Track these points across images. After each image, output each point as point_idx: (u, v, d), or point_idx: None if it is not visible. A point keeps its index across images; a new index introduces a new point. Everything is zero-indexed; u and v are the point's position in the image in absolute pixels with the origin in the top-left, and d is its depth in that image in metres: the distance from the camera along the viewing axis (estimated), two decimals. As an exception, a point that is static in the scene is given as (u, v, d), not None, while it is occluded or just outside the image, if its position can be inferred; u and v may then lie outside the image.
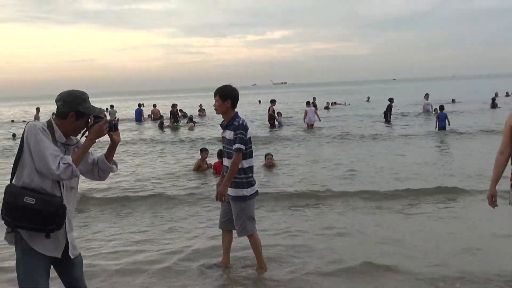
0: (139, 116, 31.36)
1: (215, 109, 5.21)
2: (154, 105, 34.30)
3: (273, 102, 25.32)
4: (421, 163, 12.33)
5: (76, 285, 3.36)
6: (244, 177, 5.13)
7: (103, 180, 3.61)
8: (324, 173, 11.71)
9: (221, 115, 5.20)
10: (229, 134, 5.10)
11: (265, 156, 12.86)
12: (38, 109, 33.29)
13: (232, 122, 5.13)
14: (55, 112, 3.37)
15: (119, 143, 3.49)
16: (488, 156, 11.23)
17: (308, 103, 24.87)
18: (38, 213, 3.02)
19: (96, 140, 3.31)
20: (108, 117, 31.28)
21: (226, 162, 5.22)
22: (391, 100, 25.50)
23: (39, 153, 3.05)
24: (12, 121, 37.72)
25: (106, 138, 3.43)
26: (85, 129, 3.33)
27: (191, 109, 40.39)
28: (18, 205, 3.03)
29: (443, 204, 8.16)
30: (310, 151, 16.07)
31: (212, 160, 12.47)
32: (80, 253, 3.40)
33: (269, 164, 12.60)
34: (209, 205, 8.58)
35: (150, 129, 26.09)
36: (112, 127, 3.38)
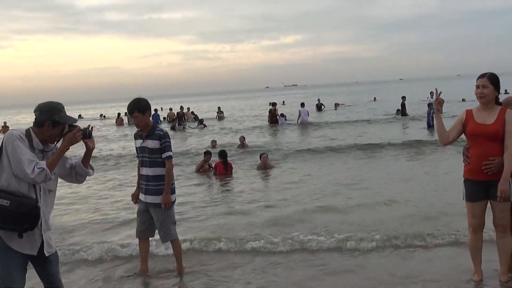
0: (156, 119, 32.66)
1: (137, 125, 5.01)
2: (170, 109, 36.14)
3: (274, 104, 26.71)
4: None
5: (52, 280, 3.43)
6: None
7: (81, 183, 3.68)
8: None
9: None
10: (152, 144, 4.93)
11: (260, 156, 11.89)
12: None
13: (153, 131, 4.96)
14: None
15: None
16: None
17: (302, 104, 24.98)
18: (11, 214, 3.08)
19: (70, 147, 3.37)
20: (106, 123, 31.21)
21: (146, 171, 5.00)
22: (403, 98, 27.20)
23: (16, 158, 3.13)
24: None
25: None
26: (61, 136, 3.40)
27: (208, 113, 38.94)
28: None
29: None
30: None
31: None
32: (56, 250, 3.46)
33: (264, 164, 11.52)
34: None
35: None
36: (86, 135, 3.45)
